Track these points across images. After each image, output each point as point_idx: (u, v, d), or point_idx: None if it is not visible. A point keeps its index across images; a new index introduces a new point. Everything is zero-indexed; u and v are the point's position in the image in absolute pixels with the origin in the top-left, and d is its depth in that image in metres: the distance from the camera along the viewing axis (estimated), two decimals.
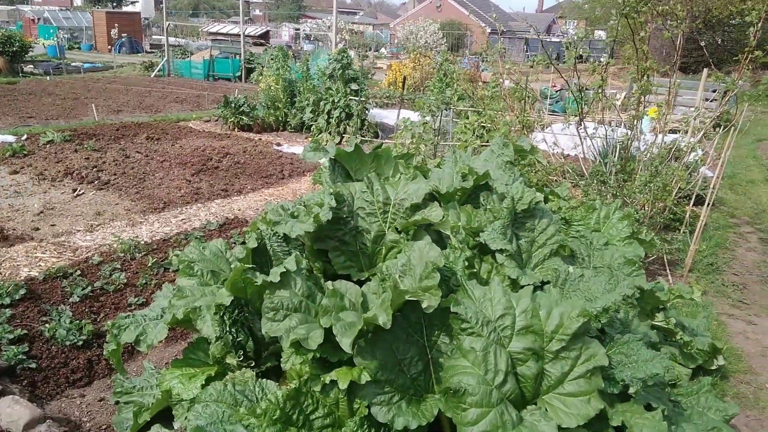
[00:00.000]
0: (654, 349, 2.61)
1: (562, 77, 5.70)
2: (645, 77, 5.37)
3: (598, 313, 2.37)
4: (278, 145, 10.61)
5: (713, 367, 3.64)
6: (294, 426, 2.09)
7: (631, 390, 2.40)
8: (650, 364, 2.43)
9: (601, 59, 5.62)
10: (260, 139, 11.11)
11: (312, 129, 11.48)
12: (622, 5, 5.32)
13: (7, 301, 4.18)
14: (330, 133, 11.11)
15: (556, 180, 5.82)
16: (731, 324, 4.56)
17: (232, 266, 2.53)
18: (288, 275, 2.20)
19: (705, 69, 6.61)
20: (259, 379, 2.19)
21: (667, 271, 5.23)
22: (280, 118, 12.17)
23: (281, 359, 2.18)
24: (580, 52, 5.98)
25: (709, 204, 5.47)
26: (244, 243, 2.71)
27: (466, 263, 2.48)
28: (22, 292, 4.30)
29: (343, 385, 2.05)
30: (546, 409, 2.14)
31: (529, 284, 2.38)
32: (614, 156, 5.58)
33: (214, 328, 2.19)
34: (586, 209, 3.29)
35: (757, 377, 3.87)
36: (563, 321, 2.16)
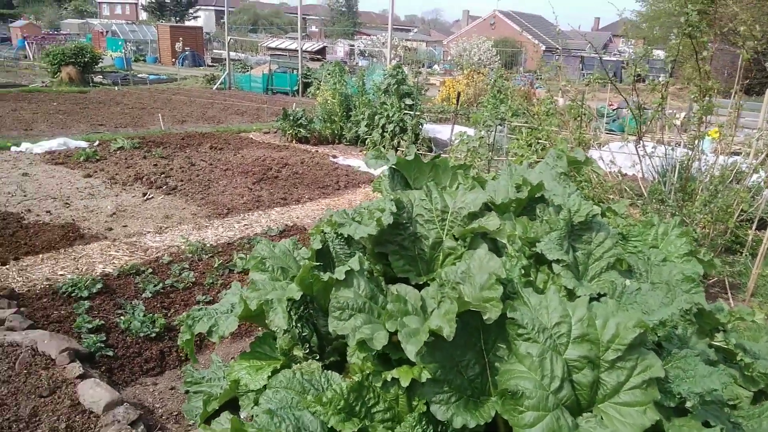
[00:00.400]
0: (712, 366, 2.62)
1: (621, 95, 5.70)
2: (707, 97, 5.32)
3: (655, 326, 2.41)
4: (334, 157, 10.88)
5: None
6: (356, 417, 2.21)
7: (688, 404, 2.42)
8: (708, 379, 2.45)
9: (660, 78, 5.60)
10: (317, 151, 11.41)
11: (366, 142, 11.71)
12: (684, 24, 5.31)
13: (86, 293, 4.49)
14: (384, 146, 11.31)
15: (612, 198, 5.79)
16: None
17: (299, 264, 2.69)
18: (352, 274, 2.34)
19: None
20: (325, 371, 2.33)
21: (729, 294, 5.13)
22: (336, 132, 12.47)
23: (347, 353, 2.31)
24: (639, 71, 5.97)
25: None
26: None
27: (522, 272, 2.56)
28: (99, 286, 4.61)
29: (404, 383, 2.17)
30: (601, 417, 2.20)
31: (585, 295, 2.45)
32: (673, 175, 5.53)
33: (285, 319, 2.34)
34: (643, 225, 3.31)
35: None
36: (619, 331, 2.21)
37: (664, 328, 2.50)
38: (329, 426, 2.11)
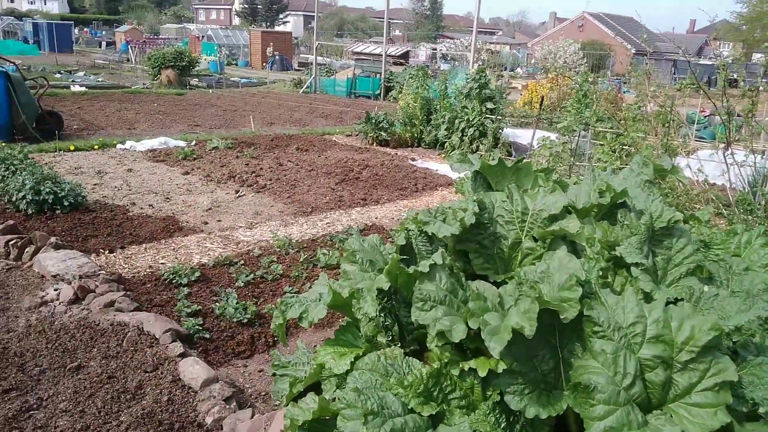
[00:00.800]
0: None
1: (711, 100, 5.54)
2: None
3: (731, 331, 2.43)
4: (413, 160, 11.09)
5: None
6: (434, 401, 2.38)
7: (761, 410, 2.42)
8: None
9: (758, 83, 5.41)
10: (396, 153, 11.66)
11: (445, 146, 11.85)
12: None
13: (185, 281, 4.90)
14: (463, 150, 11.40)
15: (698, 207, 5.65)
16: None
17: (385, 257, 2.89)
18: (435, 268, 2.51)
19: None
20: (406, 357, 2.51)
21: None
22: (416, 135, 12.67)
23: (427, 342, 2.48)
24: (735, 76, 5.79)
25: None
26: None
27: (600, 273, 2.64)
28: (197, 274, 5.02)
29: (482, 373, 2.31)
30: (671, 416, 2.26)
31: (662, 298, 2.50)
32: (764, 186, 5.33)
33: (373, 307, 2.54)
34: (727, 233, 3.28)
35: None
36: (694, 333, 2.26)
37: (741, 335, 2.52)
38: (409, 407, 2.29)
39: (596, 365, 2.27)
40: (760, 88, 5.16)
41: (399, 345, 2.78)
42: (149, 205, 7.18)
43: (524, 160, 3.24)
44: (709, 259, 3.10)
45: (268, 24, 64.95)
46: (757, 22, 31.50)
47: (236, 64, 38.80)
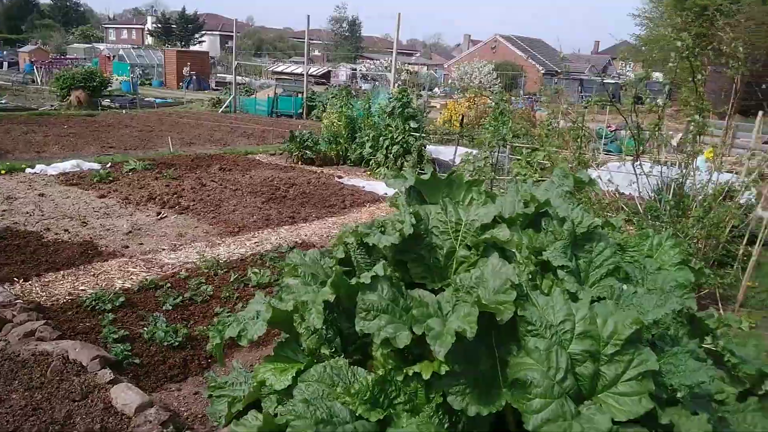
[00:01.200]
0: (701, 362, 2.85)
1: (622, 116, 5.97)
2: (701, 117, 5.60)
3: (649, 324, 2.65)
4: (339, 177, 11.17)
5: (761, 392, 3.78)
6: (381, 407, 2.43)
7: (679, 395, 2.65)
8: (696, 373, 2.68)
9: (658, 101, 5.89)
10: (322, 171, 11.70)
11: (371, 163, 12.01)
12: (682, 48, 5.61)
13: (109, 306, 4.72)
14: (388, 167, 11.60)
15: (610, 215, 6.04)
16: None
17: (326, 271, 2.93)
18: (377, 279, 2.58)
19: (760, 111, 6.77)
20: (351, 366, 2.56)
21: (719, 305, 5.36)
22: (341, 153, 12.77)
23: (372, 350, 2.54)
24: (639, 93, 6.26)
25: (761, 242, 5.59)
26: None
27: (530, 277, 2.80)
28: (122, 299, 4.84)
29: (426, 375, 2.39)
30: (601, 405, 2.42)
31: (587, 297, 2.68)
32: (668, 193, 5.79)
33: (320, 319, 2.57)
34: (640, 237, 3.55)
35: None
36: (618, 328, 2.45)
37: (658, 328, 2.75)
38: (357, 414, 2.33)
39: (531, 362, 2.40)
40: (663, 104, 5.61)
41: (342, 356, 2.82)
42: (65, 230, 6.84)
43: (456, 173, 3.38)
44: (625, 261, 3.35)
45: (183, 44, 63.49)
46: (655, 44, 33.97)
47: (150, 84, 37.65)
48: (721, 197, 5.72)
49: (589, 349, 2.45)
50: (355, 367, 2.58)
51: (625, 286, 2.87)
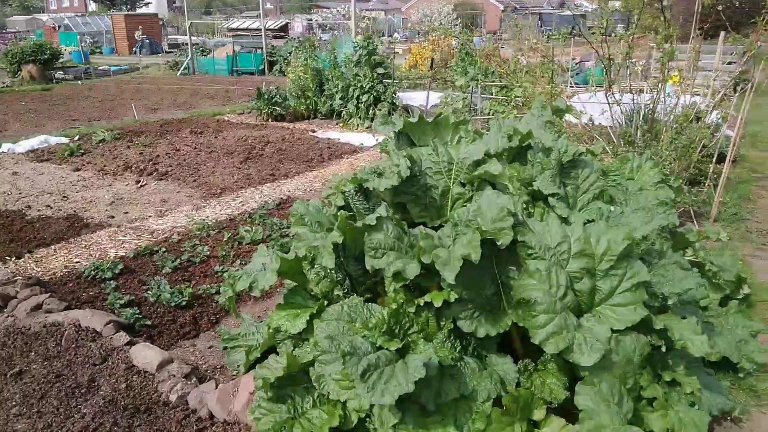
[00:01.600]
0: (687, 271, 3.08)
1: (593, 47, 6.08)
2: (669, 43, 5.75)
3: (639, 240, 2.85)
4: (313, 132, 11.15)
5: (740, 296, 4.08)
6: (396, 337, 2.61)
7: (669, 302, 2.88)
8: (684, 281, 2.92)
9: (618, 28, 6.00)
10: (294, 127, 11.65)
11: (342, 115, 11.98)
12: None
13: (109, 275, 4.79)
14: (360, 117, 11.60)
15: (586, 144, 6.24)
16: (756, 263, 4.99)
17: (330, 218, 3.06)
18: (382, 219, 2.72)
19: (722, 32, 6.94)
20: (366, 303, 2.72)
21: (694, 221, 5.65)
22: (311, 107, 12.68)
23: (383, 286, 2.70)
24: (604, 24, 6.36)
25: (730, 159, 5.86)
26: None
27: (524, 206, 2.97)
28: (120, 267, 4.91)
29: (437, 303, 2.57)
30: (599, 317, 2.64)
31: (579, 220, 2.87)
32: (640, 119, 5.98)
33: (333, 260, 2.71)
34: (620, 161, 3.74)
35: None
36: (610, 245, 2.65)
37: (646, 243, 2.95)
38: (377, 345, 2.51)
39: (533, 282, 2.60)
40: (634, 33, 5.72)
41: (354, 295, 2.98)
42: (47, 206, 6.79)
43: (443, 114, 3.49)
44: (609, 185, 3.54)
45: (129, 7, 60.91)
46: None
47: (101, 52, 36.32)
48: (690, 119, 5.93)
49: (586, 266, 2.65)
50: (370, 303, 2.75)
51: (612, 208, 3.06)
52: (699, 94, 6.96)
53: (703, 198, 5.97)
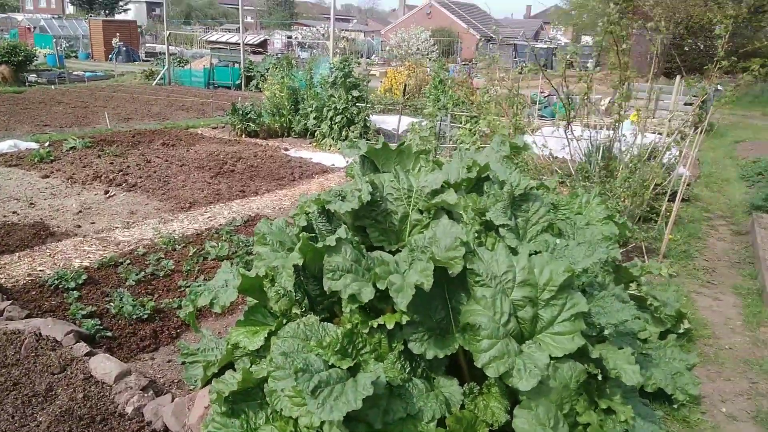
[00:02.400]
0: (624, 304, 3.29)
1: (552, 86, 6.38)
2: (626, 85, 6.07)
3: (580, 272, 3.05)
4: (285, 150, 11.27)
5: (680, 331, 4.32)
6: (349, 356, 2.74)
7: (606, 332, 3.08)
8: (620, 312, 3.12)
9: (588, 65, 6.32)
10: (267, 144, 11.76)
11: (315, 134, 12.13)
12: (606, 23, 6.04)
13: (72, 284, 4.82)
14: (333, 138, 11.77)
15: (545, 177, 6.50)
16: (699, 300, 5.26)
17: (292, 238, 3.19)
18: (341, 242, 2.86)
19: (677, 76, 7.33)
20: (321, 323, 2.85)
21: (645, 257, 5.91)
22: (285, 125, 12.81)
23: (340, 307, 2.84)
24: (568, 58, 6.67)
25: (680, 197, 6.17)
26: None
27: (476, 235, 3.15)
28: (84, 278, 4.94)
29: (390, 326, 2.71)
30: (539, 344, 2.81)
31: (525, 251, 3.05)
32: (598, 156, 6.27)
33: (291, 281, 2.84)
34: (571, 196, 3.97)
35: (719, 341, 4.55)
36: (552, 275, 2.83)
37: (588, 275, 3.16)
38: (330, 363, 2.63)
39: (479, 308, 2.77)
40: (591, 72, 6.02)
41: (311, 314, 3.10)
42: (13, 212, 6.76)
43: (406, 143, 3.67)
44: (558, 218, 3.76)
45: (107, 12, 60.48)
46: (584, 8, 34.93)
47: (77, 57, 35.92)
48: (645, 158, 6.24)
49: (529, 295, 2.83)
50: (326, 323, 2.88)
51: (558, 240, 3.26)
52: (656, 133, 7.30)
53: (653, 234, 6.26)
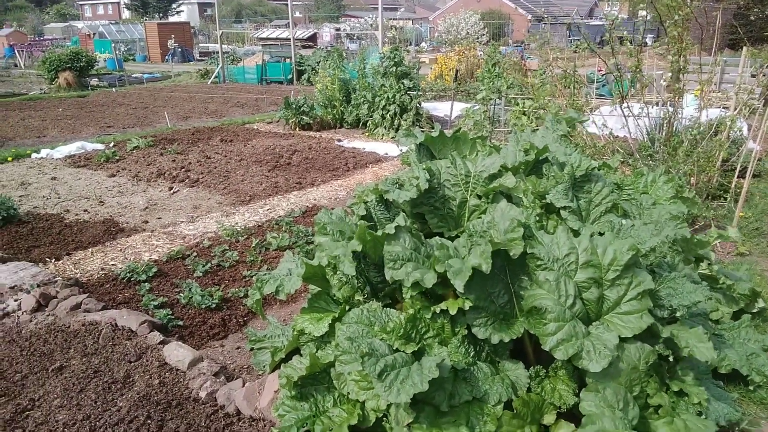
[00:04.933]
0: (696, 284, 3.18)
1: (604, 62, 6.18)
2: (682, 57, 5.81)
3: (647, 252, 2.97)
4: (339, 141, 11.38)
5: (754, 310, 4.14)
6: (413, 341, 2.77)
7: (678, 314, 2.99)
8: (693, 294, 3.01)
9: (646, 41, 6.09)
10: (321, 136, 11.90)
11: (368, 125, 12.19)
12: None
13: (144, 277, 5.04)
14: (385, 127, 11.80)
15: (606, 158, 6.32)
16: None
17: (352, 227, 3.23)
18: (400, 229, 2.88)
19: (744, 47, 6.97)
20: (384, 309, 2.89)
21: None
22: (337, 116, 12.93)
23: (401, 293, 2.87)
24: (623, 34, 6.44)
25: (750, 172, 5.89)
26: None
27: (537, 218, 3.11)
28: (154, 270, 5.16)
29: (452, 311, 2.72)
30: (608, 325, 2.76)
31: (587, 232, 2.99)
32: (660, 134, 6.05)
33: (353, 267, 2.88)
34: (635, 175, 3.85)
35: None
36: (616, 255, 2.77)
37: (656, 256, 3.07)
38: (394, 348, 2.67)
39: (543, 292, 2.74)
40: (639, 45, 5.79)
41: (374, 301, 3.14)
42: (84, 210, 7.11)
43: (462, 130, 3.65)
44: (622, 199, 3.66)
45: (161, 15, 62.39)
46: None
47: (134, 60, 37.30)
48: (710, 133, 5.98)
49: (593, 276, 2.78)
50: (388, 309, 2.91)
51: (623, 221, 3.18)
52: (722, 107, 6.99)
53: (723, 213, 6.01)
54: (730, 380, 3.45)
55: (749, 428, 3.20)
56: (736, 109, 6.55)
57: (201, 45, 41.68)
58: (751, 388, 3.41)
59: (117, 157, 9.81)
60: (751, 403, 3.38)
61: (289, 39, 23.96)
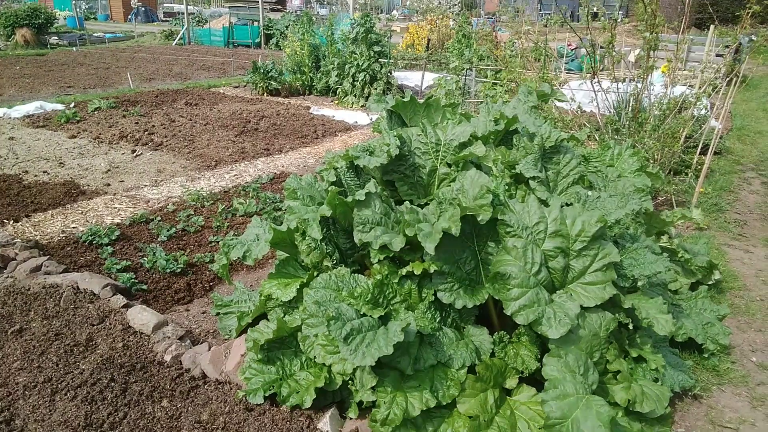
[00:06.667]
0: (657, 255, 3.27)
1: (577, 35, 6.20)
2: (653, 33, 5.87)
3: (612, 224, 3.03)
4: (308, 108, 11.22)
5: (711, 282, 4.29)
6: (380, 306, 2.79)
7: (639, 284, 3.07)
8: (653, 264, 3.10)
9: (613, 15, 6.12)
10: (289, 102, 11.72)
11: (338, 92, 12.04)
12: None
13: (106, 240, 4.93)
14: (355, 95, 11.67)
15: (574, 132, 6.39)
16: (730, 252, 5.20)
17: (321, 193, 3.21)
18: (370, 195, 2.88)
19: (711, 25, 7.06)
20: (352, 274, 2.89)
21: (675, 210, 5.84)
22: (306, 83, 12.74)
23: (369, 259, 2.87)
24: (594, 10, 6.46)
25: (712, 149, 6.04)
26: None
27: (506, 187, 3.14)
28: (117, 234, 5.05)
29: (417, 272, 2.74)
30: (571, 294, 2.82)
31: (557, 202, 3.03)
32: (627, 108, 6.14)
33: (320, 232, 2.87)
34: (602, 148, 3.91)
35: (750, 292, 4.52)
36: (584, 227, 2.82)
37: (620, 227, 3.13)
38: (361, 312, 2.68)
39: (510, 258, 2.77)
40: (615, 21, 5.82)
41: (342, 266, 3.14)
42: (44, 172, 6.89)
43: (433, 97, 3.63)
44: (589, 171, 3.71)
45: None
46: None
47: (96, 19, 35.91)
48: (675, 110, 6.09)
49: (560, 245, 2.83)
50: (356, 275, 2.92)
51: (590, 192, 3.23)
52: (687, 86, 7.11)
53: (684, 187, 6.16)
54: (685, 348, 3.59)
55: (701, 394, 3.34)
56: (701, 87, 6.66)
57: (165, 5, 40.28)
58: (705, 355, 3.55)
59: (78, 118, 9.49)
60: (704, 370, 3.52)
61: (258, 1, 23.35)
